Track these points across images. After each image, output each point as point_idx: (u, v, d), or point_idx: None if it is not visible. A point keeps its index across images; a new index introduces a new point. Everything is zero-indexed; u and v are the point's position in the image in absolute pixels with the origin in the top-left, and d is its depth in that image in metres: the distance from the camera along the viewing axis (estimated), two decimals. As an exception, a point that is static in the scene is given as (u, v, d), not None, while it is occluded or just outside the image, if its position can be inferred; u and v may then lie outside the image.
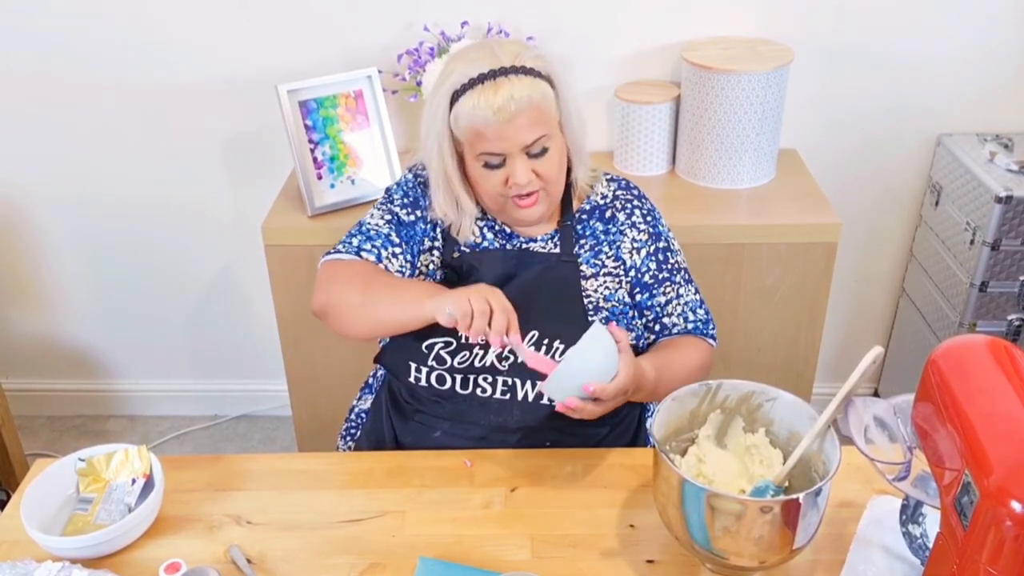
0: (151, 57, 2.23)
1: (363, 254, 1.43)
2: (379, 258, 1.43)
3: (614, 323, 1.28)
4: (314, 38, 2.20)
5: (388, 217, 1.47)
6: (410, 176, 1.52)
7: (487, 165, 1.36)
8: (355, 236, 1.46)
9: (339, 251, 1.45)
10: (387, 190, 1.53)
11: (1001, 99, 2.25)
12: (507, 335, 1.25)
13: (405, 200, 1.49)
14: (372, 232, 1.46)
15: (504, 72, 1.31)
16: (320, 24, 2.19)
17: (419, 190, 1.49)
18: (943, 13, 2.15)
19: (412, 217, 1.48)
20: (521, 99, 1.30)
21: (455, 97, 1.33)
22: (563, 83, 1.38)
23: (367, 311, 1.37)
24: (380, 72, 2.11)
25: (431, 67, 2.06)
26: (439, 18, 2.15)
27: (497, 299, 1.26)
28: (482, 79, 1.31)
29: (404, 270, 1.45)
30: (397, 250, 1.45)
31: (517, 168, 1.35)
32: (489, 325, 1.24)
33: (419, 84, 2.09)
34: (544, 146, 1.36)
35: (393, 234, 1.45)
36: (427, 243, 1.48)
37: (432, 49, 2.10)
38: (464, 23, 2.12)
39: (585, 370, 1.21)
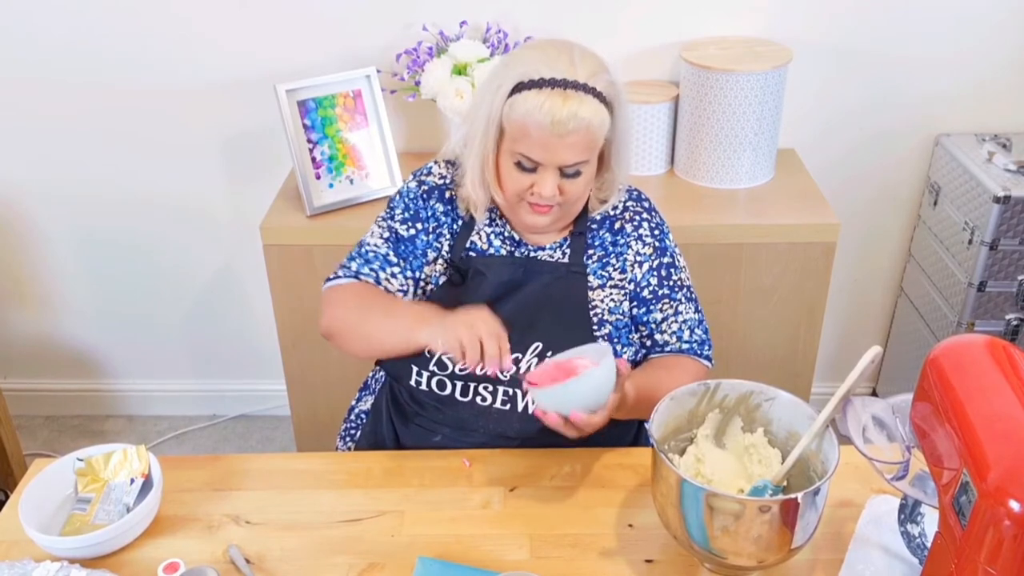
0: (149, 57, 2.23)
1: (361, 277, 1.43)
2: (377, 280, 1.43)
3: (624, 359, 1.25)
4: (313, 38, 2.20)
5: (387, 235, 1.46)
6: (413, 185, 1.48)
7: (519, 165, 1.33)
8: (354, 259, 1.46)
9: (339, 276, 1.45)
10: (389, 202, 1.50)
11: (999, 99, 2.25)
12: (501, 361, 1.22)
13: (406, 214, 1.46)
14: (370, 254, 1.45)
15: (577, 87, 1.28)
16: (319, 24, 2.18)
17: (420, 201, 1.46)
18: (941, 14, 2.15)
19: (412, 232, 1.45)
20: (582, 120, 1.27)
21: (520, 86, 1.30)
22: (621, 113, 1.35)
23: (364, 337, 1.38)
24: (379, 72, 2.11)
25: (430, 67, 2.06)
26: (438, 18, 2.15)
27: (486, 324, 1.23)
28: (554, 84, 1.28)
29: (405, 288, 1.44)
30: (395, 269, 1.43)
31: (547, 181, 1.32)
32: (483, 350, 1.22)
33: (418, 84, 2.09)
34: (579, 170, 1.34)
35: (391, 254, 1.44)
36: (430, 255, 1.46)
37: (431, 49, 2.10)
38: (463, 23, 2.12)
39: (582, 397, 1.20)
